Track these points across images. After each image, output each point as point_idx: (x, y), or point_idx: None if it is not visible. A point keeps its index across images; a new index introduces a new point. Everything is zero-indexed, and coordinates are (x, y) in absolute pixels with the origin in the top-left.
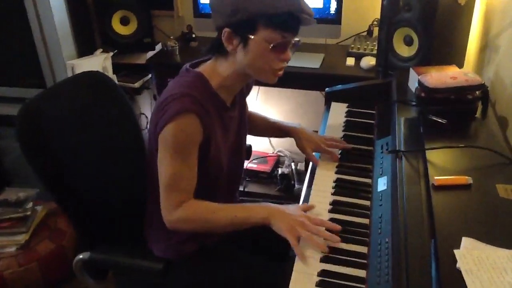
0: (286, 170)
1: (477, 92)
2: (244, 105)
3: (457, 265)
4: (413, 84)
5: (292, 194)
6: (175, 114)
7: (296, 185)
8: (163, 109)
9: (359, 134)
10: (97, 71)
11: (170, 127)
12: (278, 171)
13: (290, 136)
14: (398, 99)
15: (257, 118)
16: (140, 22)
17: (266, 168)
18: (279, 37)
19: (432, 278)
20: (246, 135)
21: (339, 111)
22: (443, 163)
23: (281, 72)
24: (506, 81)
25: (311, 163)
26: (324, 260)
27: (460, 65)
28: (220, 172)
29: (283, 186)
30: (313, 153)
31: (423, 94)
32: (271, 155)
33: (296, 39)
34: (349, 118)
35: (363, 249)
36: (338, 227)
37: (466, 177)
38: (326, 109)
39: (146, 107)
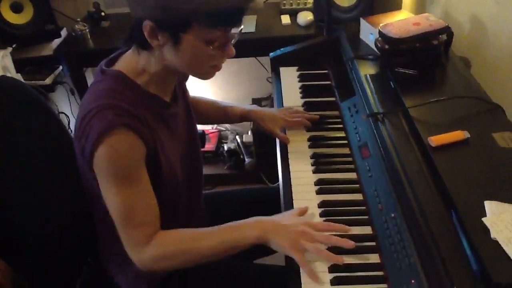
0: (232, 145)
1: (441, 36)
2: (185, 92)
3: (492, 236)
4: (366, 37)
5: (243, 169)
6: (101, 134)
7: (246, 159)
8: (84, 131)
9: (319, 99)
10: (1, 76)
11: (100, 152)
12: (223, 147)
13: (249, 120)
14: (355, 55)
15: (204, 104)
16: (36, 6)
17: (209, 146)
18: (220, 34)
19: (468, 254)
20: (196, 126)
21: (290, 77)
22: (430, 120)
23: (221, 66)
24: (461, 19)
25: (278, 143)
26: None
27: (398, 9)
28: (176, 182)
29: (233, 162)
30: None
31: (387, 46)
32: (212, 131)
33: (238, 29)
34: (304, 83)
35: (366, 230)
36: (348, 228)
37: (462, 131)
38: (275, 75)
39: (64, 105)
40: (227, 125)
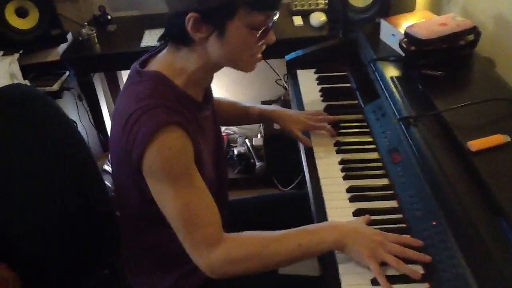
0: (242, 149)
1: (468, 36)
2: (211, 93)
3: None
4: (387, 38)
5: (255, 173)
6: (153, 132)
7: (257, 163)
8: (132, 132)
9: (341, 102)
10: (18, 84)
11: (153, 151)
12: (233, 151)
13: (269, 119)
14: (377, 56)
15: (226, 105)
16: (41, 11)
17: None
18: (263, 19)
19: None
20: (221, 129)
21: (308, 79)
22: (466, 123)
23: (261, 57)
24: (482, 17)
25: (302, 147)
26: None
27: (412, 8)
28: (211, 189)
29: (243, 166)
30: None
31: (413, 48)
32: None
33: (276, 15)
34: (323, 85)
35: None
36: (420, 242)
37: (502, 135)
38: (291, 78)
39: (71, 112)
40: (235, 128)
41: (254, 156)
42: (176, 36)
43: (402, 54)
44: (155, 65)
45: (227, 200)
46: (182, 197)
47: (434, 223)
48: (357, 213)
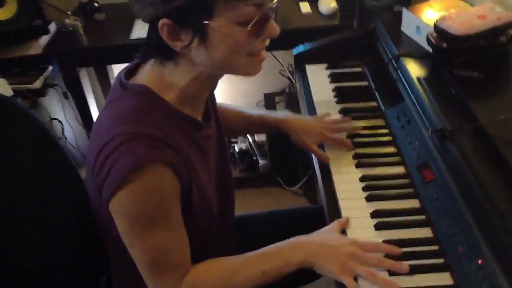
0: (243, 146)
1: (511, 31)
2: (214, 104)
3: None
4: (410, 30)
5: (258, 171)
6: (129, 172)
7: (260, 161)
8: (105, 164)
9: (359, 104)
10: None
11: (126, 193)
12: (234, 148)
13: (282, 132)
14: (401, 52)
15: (230, 114)
16: None
17: None
18: (252, 9)
19: None
20: (227, 146)
21: (319, 76)
22: (508, 137)
23: (265, 54)
24: None
25: (315, 160)
26: None
27: None
28: (210, 215)
29: (245, 164)
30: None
31: (444, 44)
32: None
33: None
34: (337, 84)
35: (444, 279)
36: (398, 250)
37: None
38: (299, 74)
39: (57, 110)
40: None
41: (256, 153)
42: (156, 50)
43: (430, 50)
44: (141, 77)
45: (232, 223)
46: (154, 241)
47: (479, 262)
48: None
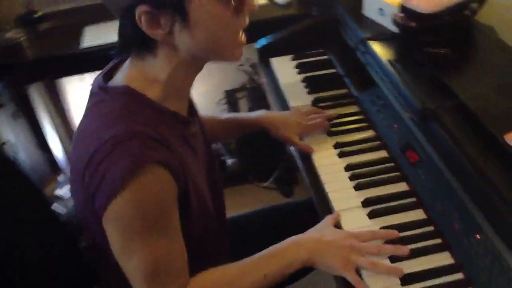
0: None
1: (473, 5)
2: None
3: None
4: (373, 13)
5: (227, 171)
6: (125, 176)
7: (227, 160)
8: (98, 171)
9: (331, 93)
10: None
11: (123, 199)
12: None
13: (258, 128)
14: (367, 36)
15: (205, 121)
16: None
17: None
18: None
19: None
20: (210, 144)
21: (286, 69)
22: (494, 112)
23: (245, 38)
24: None
25: (296, 153)
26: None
27: None
28: (207, 215)
29: None
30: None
31: (413, 24)
32: None
33: None
34: (305, 74)
35: (446, 259)
36: (395, 233)
37: None
38: (265, 69)
39: (8, 133)
40: None
41: (224, 152)
42: (133, 44)
43: (395, 31)
44: (121, 78)
45: (226, 222)
46: (152, 250)
47: (478, 236)
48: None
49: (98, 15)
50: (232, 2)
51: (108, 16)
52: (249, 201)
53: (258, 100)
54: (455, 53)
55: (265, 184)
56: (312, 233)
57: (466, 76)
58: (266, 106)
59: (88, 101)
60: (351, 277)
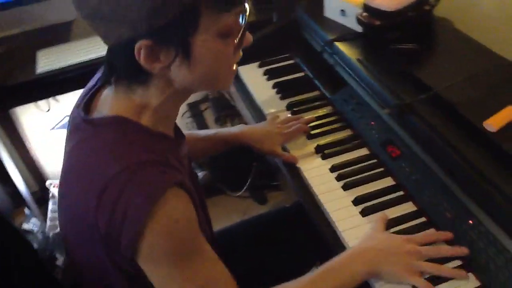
0: None
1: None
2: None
3: None
4: (334, 15)
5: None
6: (150, 208)
7: (198, 174)
8: (117, 208)
9: (303, 96)
10: None
11: (154, 232)
12: None
13: (239, 144)
14: (332, 37)
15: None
16: None
17: None
18: (232, 20)
19: None
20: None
21: (254, 76)
22: (469, 100)
23: (236, 67)
24: None
25: (280, 162)
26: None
27: None
28: (210, 238)
29: None
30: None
31: (378, 22)
32: None
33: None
34: (275, 80)
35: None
36: (449, 234)
37: None
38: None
39: None
40: None
41: (194, 165)
42: (126, 74)
43: (360, 30)
44: (107, 108)
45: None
46: (197, 278)
47: (471, 222)
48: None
49: (49, 38)
50: (235, 40)
51: (60, 39)
52: (225, 211)
53: (223, 109)
54: (421, 47)
55: (238, 194)
56: (366, 243)
57: (435, 68)
58: (233, 115)
59: (70, 139)
60: (419, 282)
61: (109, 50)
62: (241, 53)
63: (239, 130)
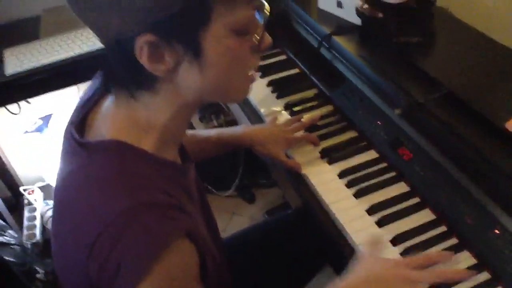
0: None
1: None
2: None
3: None
4: (329, 6)
5: None
6: (149, 263)
7: None
8: (111, 257)
9: (301, 95)
10: None
11: (149, 286)
12: None
13: (244, 147)
14: (330, 31)
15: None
16: None
17: None
18: (249, 15)
19: None
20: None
21: None
22: (486, 99)
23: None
24: None
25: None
26: None
27: None
28: (220, 270)
29: None
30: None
31: (380, 15)
32: None
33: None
34: (269, 78)
35: (465, 259)
36: (449, 255)
37: None
38: None
39: None
40: None
41: None
42: (125, 82)
43: (358, 23)
44: (104, 128)
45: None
46: None
47: (496, 231)
48: (396, 240)
49: (19, 32)
50: (253, 38)
51: (28, 36)
52: (214, 212)
53: (207, 107)
54: (426, 40)
55: (226, 194)
56: (358, 272)
57: (443, 63)
58: (217, 112)
59: (65, 161)
60: None
61: (106, 54)
62: (259, 58)
63: (242, 131)
